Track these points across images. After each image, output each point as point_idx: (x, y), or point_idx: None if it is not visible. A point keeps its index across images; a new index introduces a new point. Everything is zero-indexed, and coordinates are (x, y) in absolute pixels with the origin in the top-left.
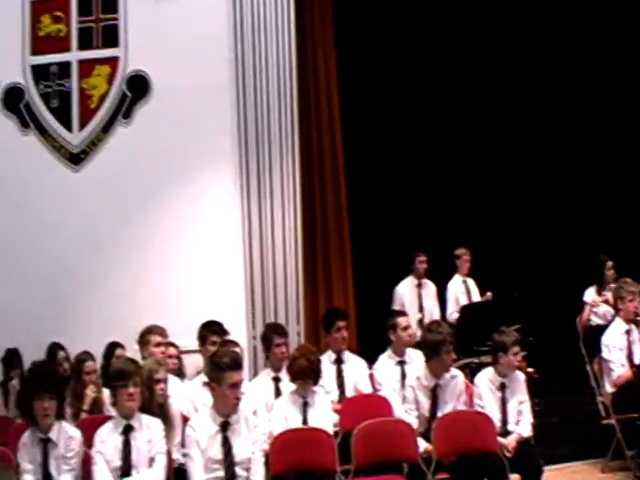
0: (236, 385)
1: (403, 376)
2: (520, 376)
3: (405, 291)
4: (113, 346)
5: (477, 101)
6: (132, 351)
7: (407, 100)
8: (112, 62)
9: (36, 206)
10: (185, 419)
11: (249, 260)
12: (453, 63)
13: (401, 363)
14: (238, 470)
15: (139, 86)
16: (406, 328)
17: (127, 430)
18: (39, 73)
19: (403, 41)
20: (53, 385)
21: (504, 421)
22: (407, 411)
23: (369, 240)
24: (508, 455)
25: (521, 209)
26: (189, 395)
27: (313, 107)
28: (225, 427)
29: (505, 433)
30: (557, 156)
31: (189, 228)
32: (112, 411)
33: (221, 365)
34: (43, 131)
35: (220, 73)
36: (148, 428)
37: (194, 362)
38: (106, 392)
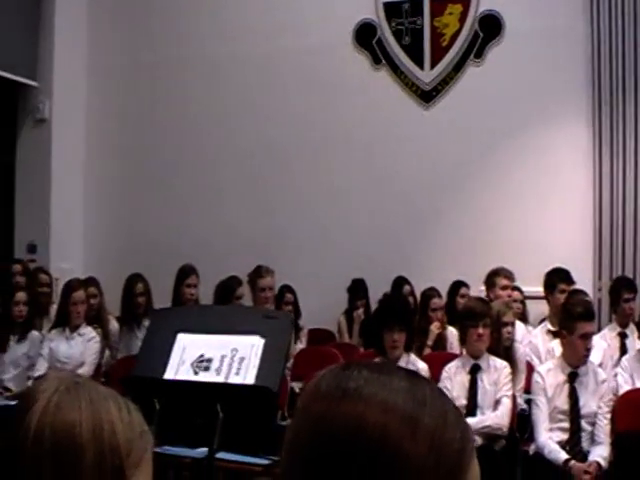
0: (587, 336)
1: None
2: None
3: None
4: (458, 285)
5: None
6: (475, 291)
7: None
8: (464, 1)
9: (384, 141)
10: (529, 365)
11: (598, 211)
12: None
13: None
14: (583, 423)
15: (491, 26)
16: None
17: (474, 370)
18: (391, 10)
19: None
20: (404, 318)
21: None
22: None
23: None
24: None
25: None
26: (532, 341)
27: None
28: (573, 378)
29: None
30: None
31: (537, 172)
32: (455, 349)
33: (574, 314)
34: (395, 68)
35: (575, 20)
36: (495, 370)
37: (535, 309)
38: (450, 329)
